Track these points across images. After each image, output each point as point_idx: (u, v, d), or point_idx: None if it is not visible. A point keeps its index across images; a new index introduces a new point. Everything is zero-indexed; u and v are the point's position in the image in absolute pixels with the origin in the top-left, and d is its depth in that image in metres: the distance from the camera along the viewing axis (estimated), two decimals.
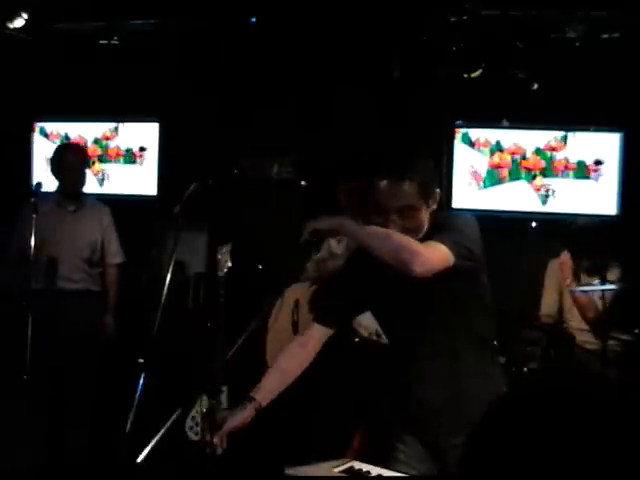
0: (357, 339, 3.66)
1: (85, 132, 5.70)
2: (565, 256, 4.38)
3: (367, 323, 3.64)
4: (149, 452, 3.32)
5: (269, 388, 2.44)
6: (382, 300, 2.43)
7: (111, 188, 5.64)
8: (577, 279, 4.30)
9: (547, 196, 5.01)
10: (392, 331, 2.52)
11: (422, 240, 2.23)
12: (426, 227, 2.30)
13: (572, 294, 4.28)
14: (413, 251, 2.12)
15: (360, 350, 3.65)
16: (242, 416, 2.38)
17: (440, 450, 2.33)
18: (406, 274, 2.11)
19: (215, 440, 2.33)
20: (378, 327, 3.61)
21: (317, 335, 2.52)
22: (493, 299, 2.46)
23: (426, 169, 2.33)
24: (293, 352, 2.51)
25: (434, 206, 2.33)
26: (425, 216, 2.30)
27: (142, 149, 5.61)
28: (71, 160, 4.45)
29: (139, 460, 3.22)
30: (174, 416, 3.33)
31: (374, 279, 2.37)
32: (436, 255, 2.16)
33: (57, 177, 4.47)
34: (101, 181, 5.68)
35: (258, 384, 2.45)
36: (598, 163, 4.96)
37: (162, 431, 3.31)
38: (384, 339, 3.62)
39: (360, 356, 3.64)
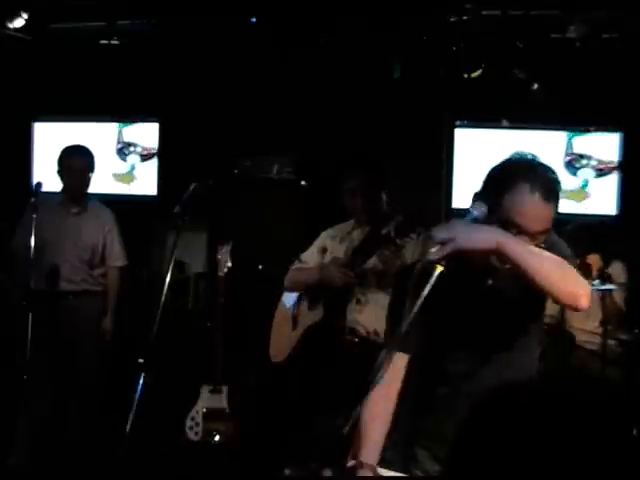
0: (357, 339, 3.66)
1: (85, 132, 5.69)
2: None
3: (366, 323, 3.64)
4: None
5: (377, 441, 2.16)
6: (449, 327, 2.16)
7: (111, 188, 5.63)
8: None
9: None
10: (447, 360, 2.22)
11: None
12: None
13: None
14: (582, 283, 1.94)
15: (359, 350, 3.65)
16: None
17: None
18: (570, 307, 1.96)
19: None
20: (377, 327, 3.61)
21: (401, 365, 2.19)
22: None
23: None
24: (385, 397, 2.19)
25: None
26: None
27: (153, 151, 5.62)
28: (76, 162, 4.44)
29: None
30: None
31: (454, 304, 2.12)
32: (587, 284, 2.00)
33: (61, 178, 4.47)
34: None
35: (362, 442, 2.12)
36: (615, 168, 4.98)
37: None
38: (382, 337, 3.63)
39: (359, 355, 3.63)
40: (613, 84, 4.76)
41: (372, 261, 3.58)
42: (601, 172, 5.01)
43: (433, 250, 1.89)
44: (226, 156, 5.23)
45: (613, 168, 5.00)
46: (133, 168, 5.63)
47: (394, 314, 2.28)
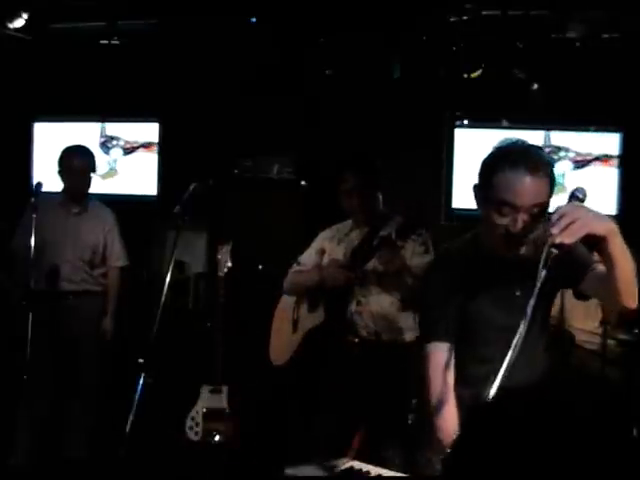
0: (357, 339, 3.66)
1: (84, 132, 5.69)
2: None
3: (367, 324, 3.64)
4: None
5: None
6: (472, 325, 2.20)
7: (111, 188, 5.63)
8: None
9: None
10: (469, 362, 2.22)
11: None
12: None
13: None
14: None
15: (360, 350, 3.65)
16: None
17: None
18: (624, 308, 1.99)
19: None
20: (378, 328, 3.61)
21: (448, 355, 2.17)
22: None
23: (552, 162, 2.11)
24: (449, 392, 2.16)
25: None
26: None
27: (148, 145, 5.62)
28: (77, 163, 4.44)
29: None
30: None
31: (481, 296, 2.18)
32: None
33: (62, 179, 4.46)
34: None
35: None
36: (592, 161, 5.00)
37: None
38: (383, 338, 3.63)
39: (360, 356, 3.63)
40: (613, 84, 4.76)
41: (372, 262, 3.57)
42: (578, 164, 5.03)
43: (555, 231, 1.82)
44: (226, 156, 5.24)
45: (590, 160, 5.01)
46: (115, 163, 5.66)
47: (434, 306, 2.24)
